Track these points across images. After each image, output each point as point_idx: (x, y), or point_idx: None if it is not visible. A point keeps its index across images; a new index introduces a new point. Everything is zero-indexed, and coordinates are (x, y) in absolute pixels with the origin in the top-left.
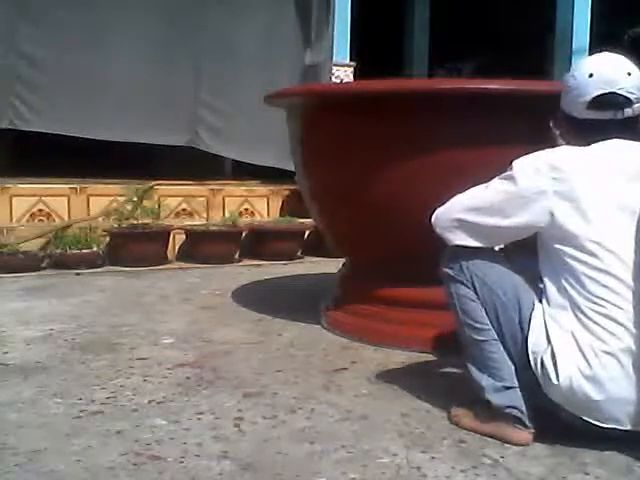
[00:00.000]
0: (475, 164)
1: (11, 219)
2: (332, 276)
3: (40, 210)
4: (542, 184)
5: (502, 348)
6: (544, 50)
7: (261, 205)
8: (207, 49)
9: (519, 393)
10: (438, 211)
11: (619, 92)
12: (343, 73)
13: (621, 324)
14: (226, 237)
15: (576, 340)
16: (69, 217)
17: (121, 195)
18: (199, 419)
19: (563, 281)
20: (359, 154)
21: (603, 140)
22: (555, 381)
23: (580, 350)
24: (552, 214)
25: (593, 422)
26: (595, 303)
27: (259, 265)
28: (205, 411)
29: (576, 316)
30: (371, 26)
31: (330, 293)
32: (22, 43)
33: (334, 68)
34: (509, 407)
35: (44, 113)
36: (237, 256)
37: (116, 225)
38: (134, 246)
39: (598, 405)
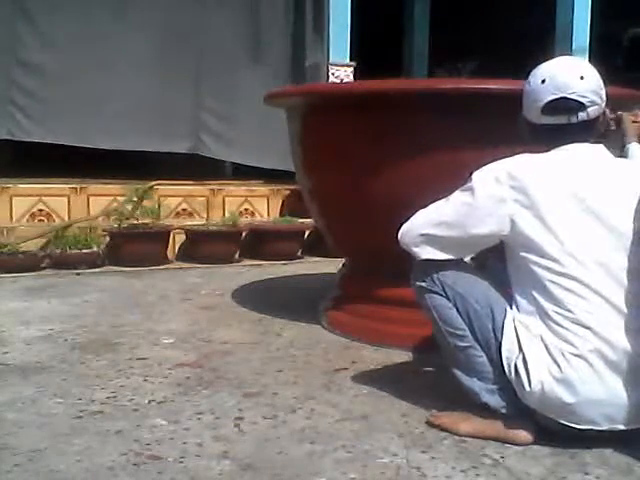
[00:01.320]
0: (475, 164)
1: (11, 219)
2: (332, 276)
3: (40, 210)
4: (501, 193)
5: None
6: (544, 50)
7: (261, 205)
8: (206, 53)
9: (512, 393)
10: (403, 228)
11: (570, 97)
12: (343, 73)
13: (588, 327)
14: (226, 237)
15: (545, 345)
16: (69, 217)
17: (121, 195)
18: (199, 419)
19: (530, 288)
20: (359, 154)
21: (561, 144)
22: (528, 387)
23: (550, 354)
24: (513, 222)
25: (570, 425)
26: (561, 307)
27: (259, 265)
28: (205, 411)
29: (544, 321)
30: (371, 26)
31: (330, 293)
32: (21, 51)
33: (334, 68)
34: (505, 407)
35: (44, 122)
36: (237, 256)
37: (116, 225)
38: (134, 246)
39: (572, 408)
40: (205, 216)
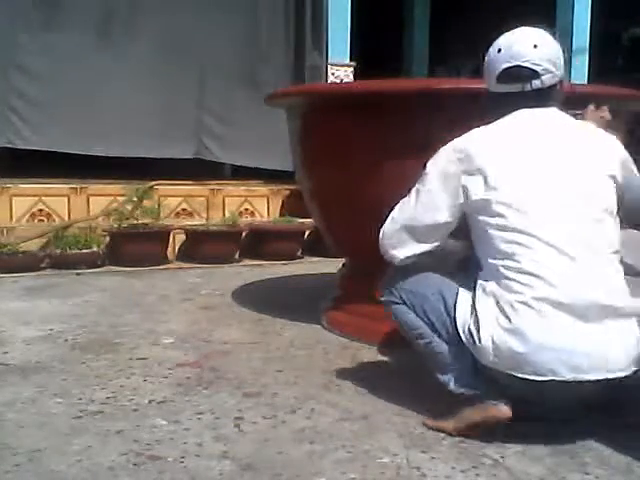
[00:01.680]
0: None
1: (11, 219)
2: (332, 276)
3: (40, 210)
4: (449, 169)
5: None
6: None
7: (261, 205)
8: (207, 56)
9: (480, 377)
10: (383, 229)
11: (524, 64)
12: (343, 73)
13: (536, 275)
14: (226, 237)
15: (497, 300)
16: (69, 217)
17: (121, 195)
18: (199, 419)
19: (487, 251)
20: (359, 154)
21: (514, 110)
22: (479, 342)
23: (498, 307)
24: (465, 190)
25: (530, 378)
26: (508, 259)
27: (259, 265)
28: (205, 411)
29: (495, 278)
30: (371, 26)
31: (330, 293)
32: (20, 58)
33: (334, 68)
34: (478, 388)
35: (44, 130)
36: (237, 256)
37: (116, 225)
38: (134, 246)
39: (525, 357)
40: (205, 216)
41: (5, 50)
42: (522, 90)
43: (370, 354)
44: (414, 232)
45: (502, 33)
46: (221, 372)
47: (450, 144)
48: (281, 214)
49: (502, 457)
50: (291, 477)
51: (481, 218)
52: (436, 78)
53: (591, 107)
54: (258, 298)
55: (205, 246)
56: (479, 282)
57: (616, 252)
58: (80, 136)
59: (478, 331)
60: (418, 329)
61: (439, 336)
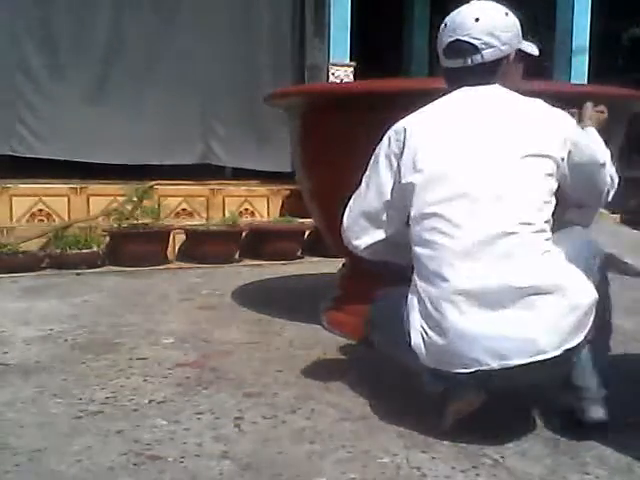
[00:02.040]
0: None
1: (11, 219)
2: (332, 276)
3: (40, 210)
4: (391, 150)
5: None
6: (544, 50)
7: (261, 205)
8: (209, 60)
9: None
10: (343, 221)
11: (463, 39)
12: (343, 73)
13: (449, 265)
14: (226, 237)
15: (419, 296)
16: (69, 217)
17: (121, 195)
18: (199, 419)
19: (413, 238)
20: (359, 154)
21: (460, 86)
22: (412, 342)
23: (421, 304)
24: (399, 171)
25: (460, 371)
26: (427, 248)
27: (259, 265)
28: (205, 411)
29: (418, 271)
30: (371, 26)
31: (330, 293)
32: (26, 67)
33: (334, 68)
34: (439, 388)
35: (48, 138)
36: (237, 256)
37: (116, 225)
38: (134, 246)
39: (447, 349)
40: (205, 216)
41: (12, 59)
42: (464, 65)
43: (370, 354)
44: (371, 217)
45: None
46: (221, 372)
47: (390, 129)
48: (281, 214)
49: (502, 457)
50: (291, 477)
51: (407, 203)
52: (436, 77)
53: (588, 104)
54: (258, 298)
55: (205, 246)
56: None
57: (538, 230)
58: (85, 144)
59: (409, 332)
60: (395, 354)
61: (407, 349)
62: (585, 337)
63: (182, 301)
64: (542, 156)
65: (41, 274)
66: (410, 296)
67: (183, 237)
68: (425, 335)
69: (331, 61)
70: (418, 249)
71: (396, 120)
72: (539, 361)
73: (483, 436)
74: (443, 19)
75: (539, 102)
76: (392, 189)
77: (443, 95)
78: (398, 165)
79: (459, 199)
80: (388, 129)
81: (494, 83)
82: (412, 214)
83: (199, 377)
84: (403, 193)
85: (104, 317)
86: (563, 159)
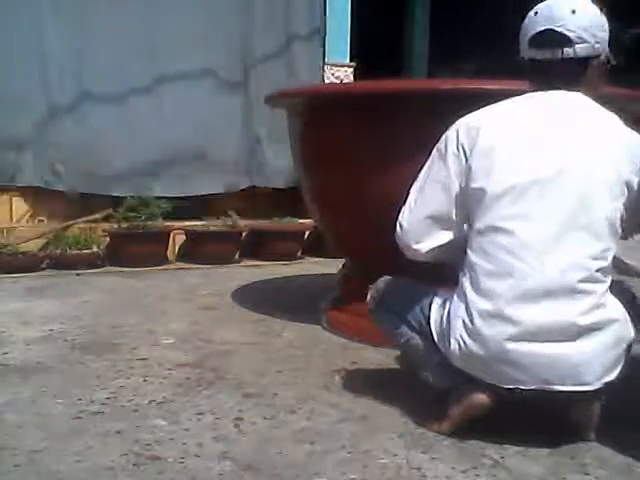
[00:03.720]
0: None
1: (11, 219)
2: (332, 276)
3: (40, 210)
4: (458, 145)
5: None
6: None
7: (261, 205)
8: (209, 62)
9: (455, 369)
10: (401, 223)
11: (557, 29)
12: (343, 73)
13: (506, 279)
14: (226, 237)
15: (467, 301)
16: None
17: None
18: (199, 419)
19: (473, 246)
20: (359, 154)
21: (544, 84)
22: (449, 346)
23: (467, 309)
24: (469, 170)
25: (497, 384)
26: (487, 261)
27: (259, 265)
28: (205, 411)
29: (471, 278)
30: (371, 26)
31: (330, 293)
32: (53, 98)
33: (334, 68)
34: (452, 383)
35: (76, 172)
36: (237, 256)
37: (116, 225)
38: (134, 246)
39: (486, 362)
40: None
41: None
42: (552, 58)
43: (370, 354)
44: (437, 219)
45: (502, 33)
46: (221, 372)
47: (461, 120)
48: (281, 214)
49: (502, 457)
50: (291, 477)
51: (471, 207)
52: (437, 78)
53: None
54: (258, 298)
55: (205, 246)
56: (461, 281)
57: (606, 266)
58: (117, 178)
59: (449, 332)
60: (397, 328)
61: (417, 333)
62: (620, 372)
63: (182, 301)
64: (620, 184)
65: (41, 274)
66: (457, 300)
67: (183, 237)
68: (463, 344)
69: (331, 61)
70: (477, 259)
71: (396, 120)
72: (580, 391)
73: (483, 436)
74: (443, 19)
75: (618, 121)
76: (459, 189)
77: (520, 94)
78: (467, 163)
79: (538, 220)
80: (388, 129)
81: (578, 90)
82: (478, 223)
83: (199, 377)
84: (469, 197)
85: (104, 317)
86: (633, 188)
